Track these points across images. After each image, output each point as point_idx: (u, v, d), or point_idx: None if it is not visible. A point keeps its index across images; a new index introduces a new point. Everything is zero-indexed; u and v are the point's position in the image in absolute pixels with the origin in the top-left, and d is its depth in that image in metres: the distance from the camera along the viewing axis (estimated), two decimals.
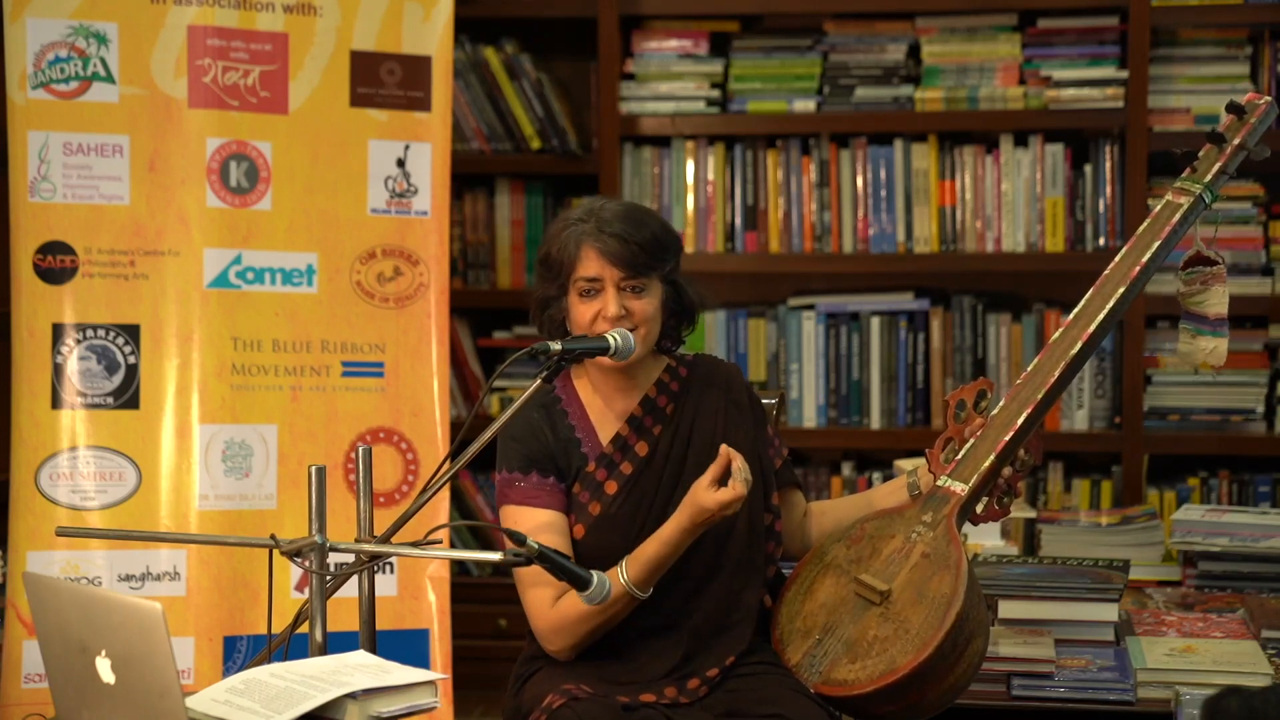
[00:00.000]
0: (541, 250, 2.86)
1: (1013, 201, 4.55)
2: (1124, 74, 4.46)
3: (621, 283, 2.78)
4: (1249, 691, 2.35)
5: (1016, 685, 3.03)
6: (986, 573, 3.26)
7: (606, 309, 2.78)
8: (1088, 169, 4.55)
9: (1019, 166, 4.55)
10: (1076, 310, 2.97)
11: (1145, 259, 2.96)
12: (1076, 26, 4.54)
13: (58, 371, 3.75)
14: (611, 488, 2.83)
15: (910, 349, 4.61)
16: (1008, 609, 3.19)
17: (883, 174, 4.59)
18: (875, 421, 4.62)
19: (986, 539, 3.71)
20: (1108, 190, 4.53)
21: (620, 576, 2.73)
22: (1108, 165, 4.53)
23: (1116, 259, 2.99)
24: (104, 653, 2.29)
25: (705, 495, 2.69)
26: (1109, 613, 3.18)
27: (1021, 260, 4.56)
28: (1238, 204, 4.45)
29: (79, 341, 3.76)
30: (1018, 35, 4.56)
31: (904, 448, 4.47)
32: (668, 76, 4.66)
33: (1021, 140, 4.56)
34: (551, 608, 2.78)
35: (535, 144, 4.71)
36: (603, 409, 2.89)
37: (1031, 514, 3.99)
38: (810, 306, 4.65)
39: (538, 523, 2.80)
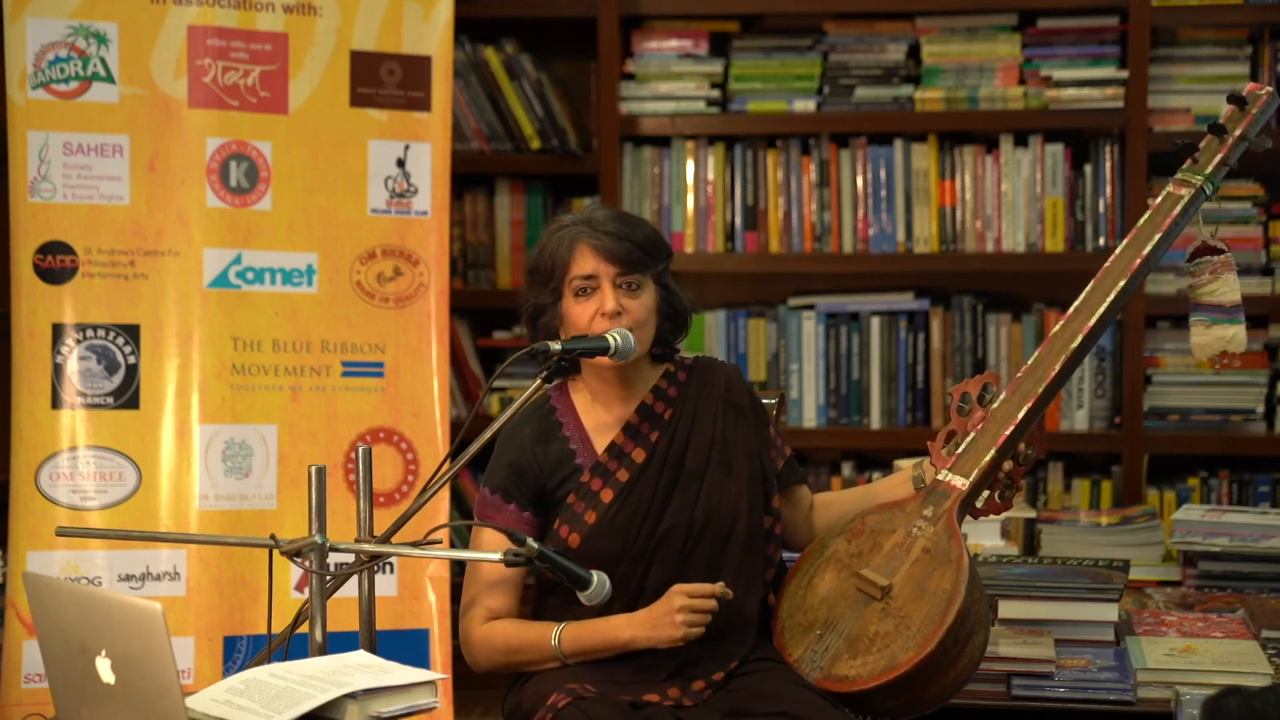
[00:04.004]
0: (531, 260, 2.88)
1: (1013, 201, 4.55)
2: (1124, 74, 4.45)
3: (617, 279, 2.80)
4: (1249, 691, 2.35)
5: (1016, 685, 3.03)
6: (987, 573, 3.25)
7: (604, 304, 2.78)
8: (1088, 169, 4.54)
9: (1019, 166, 4.55)
10: (1077, 303, 2.96)
11: (1146, 251, 2.94)
12: (1076, 26, 4.53)
13: (58, 371, 3.75)
14: (607, 495, 2.82)
15: (910, 349, 4.61)
16: (1008, 609, 3.19)
17: (883, 174, 4.59)
18: (875, 421, 4.62)
19: (986, 539, 3.71)
20: (1108, 190, 4.53)
21: (553, 639, 2.76)
22: (1108, 165, 4.53)
23: (1117, 251, 2.97)
24: (104, 653, 2.29)
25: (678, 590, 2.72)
26: (1109, 613, 3.18)
27: (1021, 260, 4.56)
28: (1238, 204, 4.44)
29: (79, 341, 3.76)
30: (1018, 35, 4.55)
31: (904, 448, 4.47)
32: (668, 76, 4.65)
33: (1021, 140, 4.56)
34: (483, 623, 2.81)
35: (535, 144, 4.71)
36: (599, 418, 2.88)
37: (1031, 514, 3.99)
38: (810, 306, 4.64)
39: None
